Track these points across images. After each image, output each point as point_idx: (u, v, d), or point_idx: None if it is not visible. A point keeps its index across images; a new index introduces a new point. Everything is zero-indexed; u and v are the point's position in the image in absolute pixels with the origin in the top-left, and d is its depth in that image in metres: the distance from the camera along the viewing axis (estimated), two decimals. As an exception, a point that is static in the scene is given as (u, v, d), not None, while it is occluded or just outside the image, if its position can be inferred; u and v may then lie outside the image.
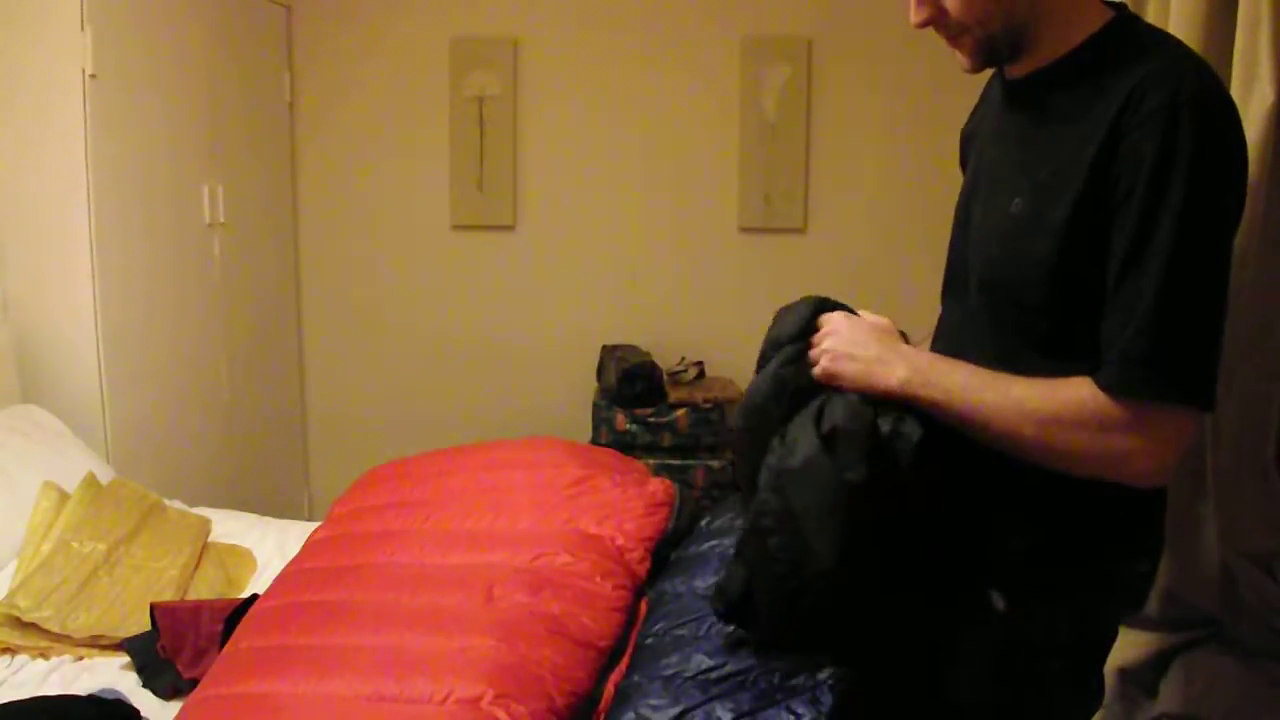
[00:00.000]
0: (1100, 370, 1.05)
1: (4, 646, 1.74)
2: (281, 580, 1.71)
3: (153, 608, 1.74)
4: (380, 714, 1.21)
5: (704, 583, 1.57)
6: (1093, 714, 1.29)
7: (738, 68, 3.39)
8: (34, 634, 1.74)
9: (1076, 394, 1.06)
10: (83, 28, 2.41)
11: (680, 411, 3.19)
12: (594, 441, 3.19)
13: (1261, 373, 1.75)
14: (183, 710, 1.33)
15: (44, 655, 1.73)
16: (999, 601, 1.17)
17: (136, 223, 2.66)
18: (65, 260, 2.49)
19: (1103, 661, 1.26)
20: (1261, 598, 1.69)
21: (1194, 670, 1.81)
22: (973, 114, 1.40)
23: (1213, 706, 1.72)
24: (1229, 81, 1.68)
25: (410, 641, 1.34)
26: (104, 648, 1.76)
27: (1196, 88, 1.03)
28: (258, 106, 3.34)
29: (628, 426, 3.18)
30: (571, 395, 3.54)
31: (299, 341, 3.66)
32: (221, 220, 3.02)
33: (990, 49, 1.15)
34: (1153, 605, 1.88)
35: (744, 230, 3.48)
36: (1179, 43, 1.12)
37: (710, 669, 1.36)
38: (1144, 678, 1.90)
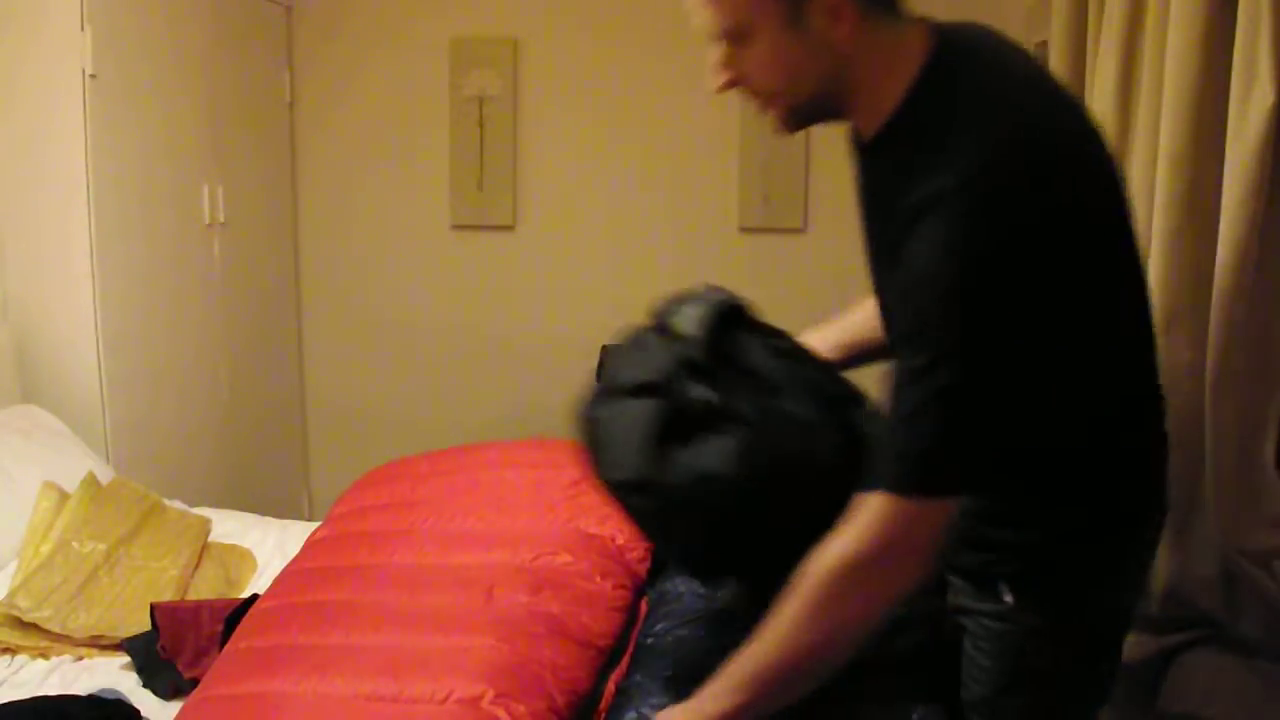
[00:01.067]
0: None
1: (4, 647, 1.74)
2: (282, 580, 1.71)
3: (153, 608, 1.74)
4: (380, 714, 1.21)
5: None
6: (1105, 704, 1.30)
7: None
8: (34, 634, 1.74)
9: (809, 585, 1.05)
10: (83, 28, 2.40)
11: (680, 411, 3.18)
12: (594, 441, 3.18)
13: (1261, 374, 1.75)
14: (183, 710, 1.33)
15: (44, 655, 1.73)
16: (1007, 594, 1.18)
17: (136, 223, 2.66)
18: (65, 260, 2.49)
19: (1115, 651, 1.26)
20: (1261, 598, 1.69)
21: (1194, 670, 1.81)
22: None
23: (1213, 706, 1.72)
24: (1229, 81, 1.68)
25: (410, 641, 1.34)
26: (104, 648, 1.76)
27: (969, 177, 0.97)
28: (258, 106, 3.34)
29: (628, 426, 3.17)
30: (571, 395, 3.53)
31: (299, 342, 3.66)
32: (221, 220, 3.01)
33: (800, 117, 1.12)
34: (1153, 605, 1.88)
35: (744, 230, 3.47)
36: (979, 107, 1.03)
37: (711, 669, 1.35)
38: (1144, 678, 1.91)
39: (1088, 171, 1.06)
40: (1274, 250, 1.71)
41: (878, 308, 1.22)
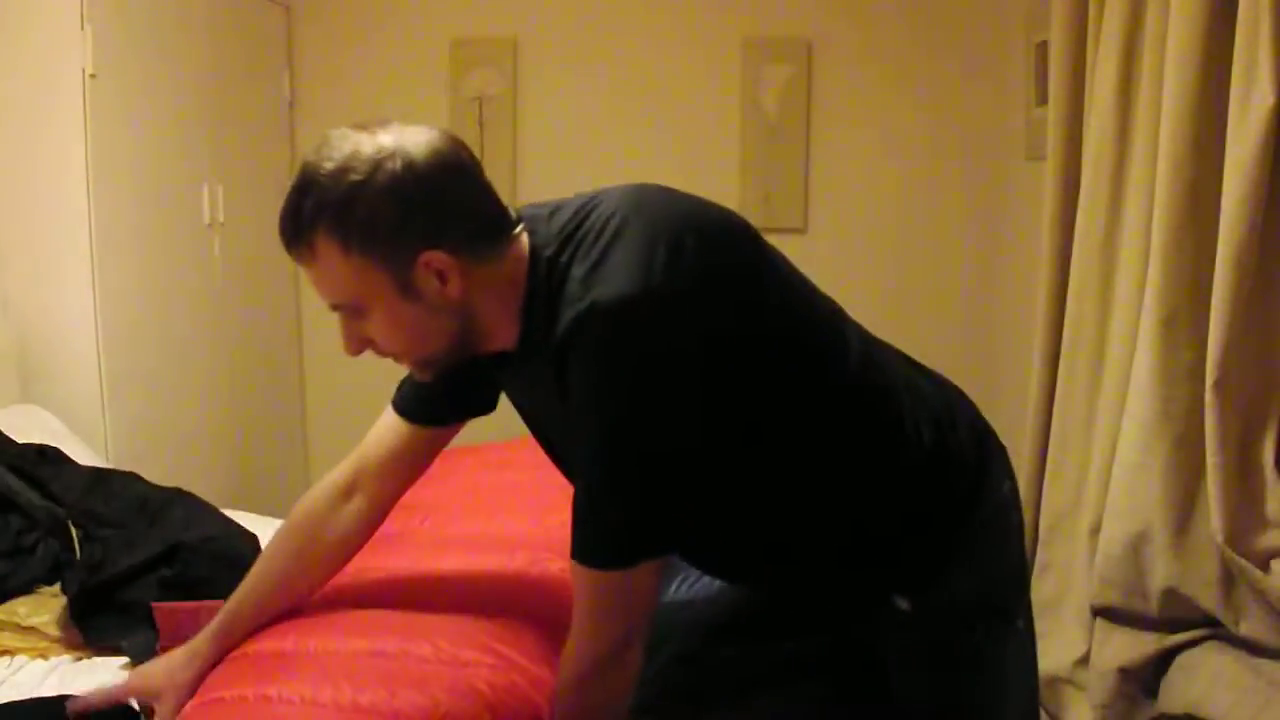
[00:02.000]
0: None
1: (2, 649, 1.73)
2: (281, 581, 1.70)
3: (153, 607, 1.73)
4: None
5: (692, 587, 1.57)
6: (1034, 655, 1.33)
7: (738, 68, 3.39)
8: (34, 635, 1.74)
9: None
10: (83, 27, 2.40)
11: (680, 411, 3.18)
12: (594, 441, 3.17)
13: (1261, 373, 1.75)
14: (183, 710, 1.33)
15: (43, 656, 1.73)
16: (902, 603, 1.19)
17: (136, 223, 2.66)
18: (65, 260, 2.48)
19: (1020, 600, 1.29)
20: (1261, 598, 1.69)
21: (1194, 670, 1.81)
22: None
23: (1213, 706, 1.72)
24: (1229, 82, 1.68)
25: (405, 648, 1.33)
26: (104, 648, 1.75)
27: (576, 327, 1.02)
28: (258, 106, 3.34)
29: (628, 426, 3.18)
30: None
31: (299, 341, 3.65)
32: (221, 220, 3.01)
33: (438, 366, 1.17)
34: (1153, 605, 1.88)
35: (744, 230, 3.47)
36: (579, 288, 1.06)
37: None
38: (1144, 678, 1.91)
39: (701, 289, 1.06)
40: (1274, 250, 1.70)
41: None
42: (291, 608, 1.40)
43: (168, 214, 2.80)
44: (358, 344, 1.15)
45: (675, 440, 1.05)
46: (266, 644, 1.34)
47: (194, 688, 1.32)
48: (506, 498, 1.83)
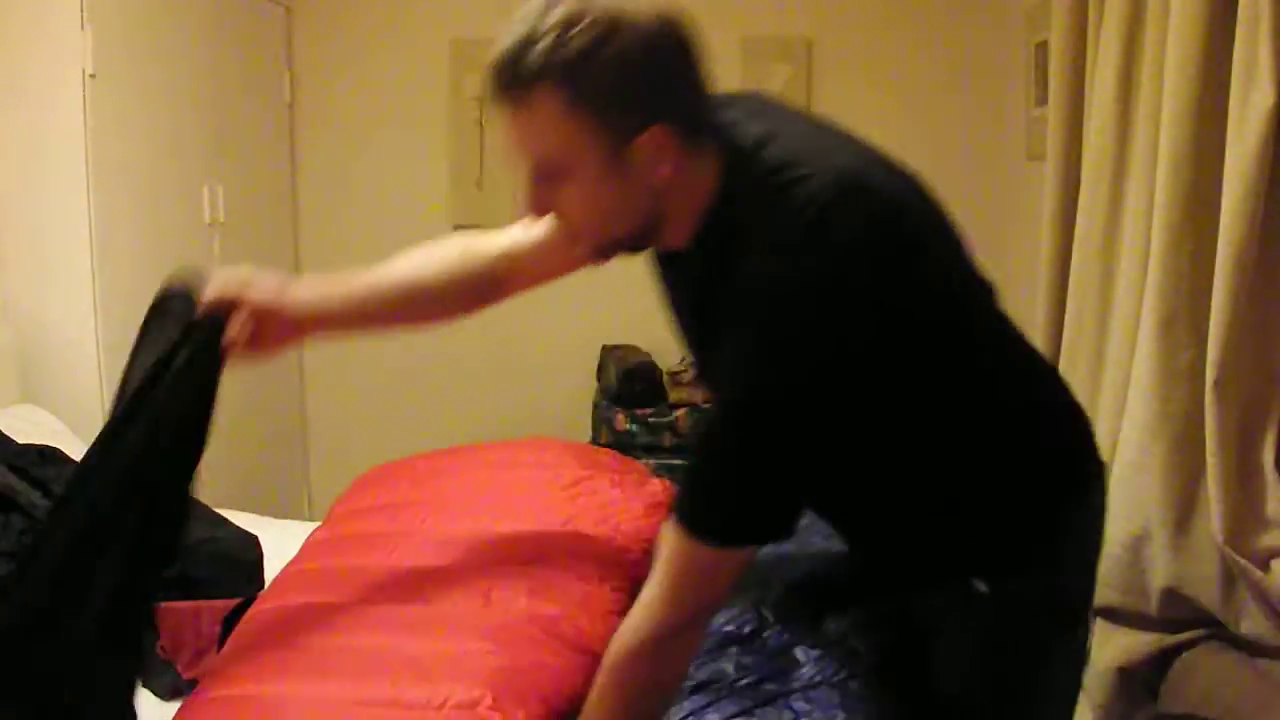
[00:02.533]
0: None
1: (3, 647, 1.74)
2: (280, 581, 1.70)
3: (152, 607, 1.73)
4: (377, 718, 1.20)
5: None
6: (1082, 672, 1.33)
7: (738, 68, 3.39)
8: (33, 634, 1.74)
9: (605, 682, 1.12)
10: (83, 27, 2.40)
11: (680, 411, 3.19)
12: (594, 441, 3.18)
13: (1261, 373, 1.74)
14: (181, 711, 1.33)
15: (43, 656, 1.73)
16: (981, 586, 1.19)
17: (136, 223, 2.66)
18: (65, 260, 2.49)
19: (1086, 609, 1.29)
20: (1261, 598, 1.69)
21: (1194, 670, 1.81)
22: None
23: (1213, 706, 1.72)
24: (1229, 82, 1.68)
25: (407, 644, 1.34)
26: (103, 648, 1.75)
27: (770, 278, 0.99)
28: (258, 106, 3.34)
29: (628, 426, 3.18)
30: (571, 395, 3.53)
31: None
32: (221, 220, 3.01)
33: (611, 251, 1.12)
34: (1153, 605, 1.88)
35: (744, 230, 3.48)
36: (777, 238, 1.02)
37: (699, 678, 1.36)
38: (1144, 678, 1.90)
39: (906, 227, 1.05)
40: (1274, 250, 1.70)
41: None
42: (381, 312, 1.40)
43: (168, 214, 2.80)
44: (541, 209, 1.07)
45: (819, 416, 1.02)
46: (247, 688, 1.32)
47: (276, 297, 1.32)
48: (508, 496, 1.83)
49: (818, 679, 1.35)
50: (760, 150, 1.06)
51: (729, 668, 1.37)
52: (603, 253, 1.12)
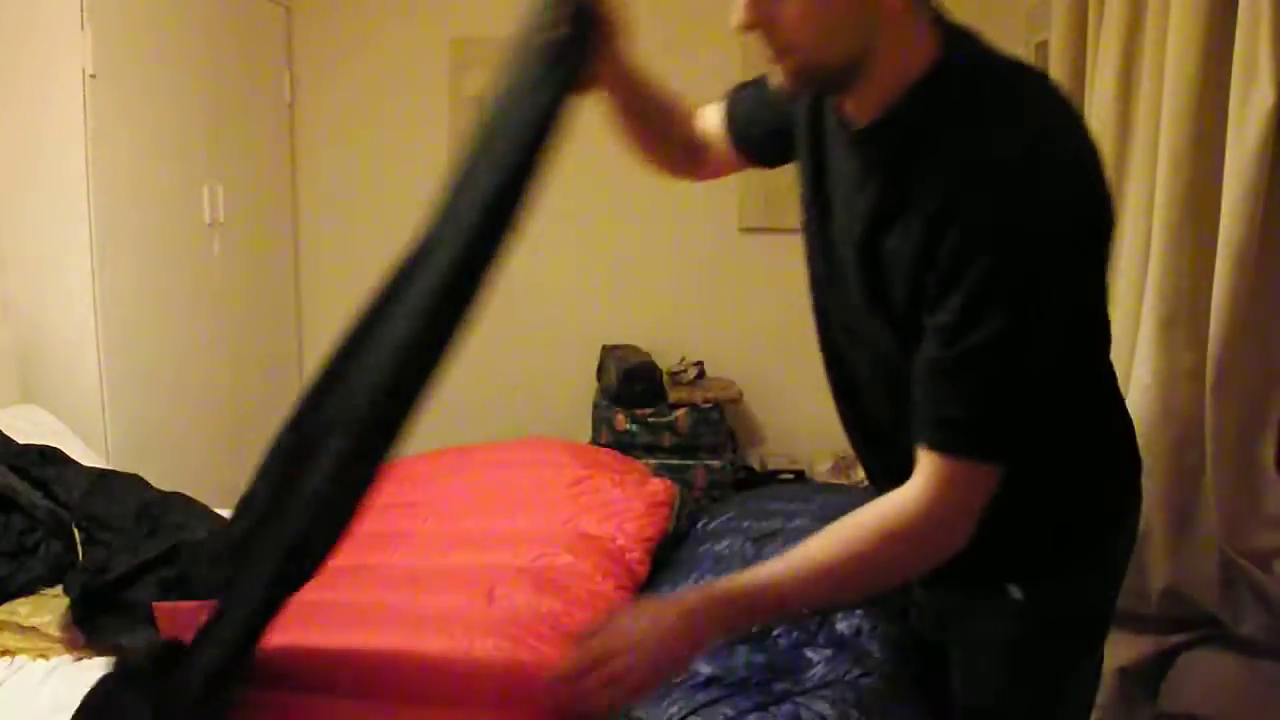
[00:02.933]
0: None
1: (3, 649, 1.73)
2: (281, 580, 1.70)
3: (152, 608, 1.73)
4: (381, 716, 1.20)
5: (697, 584, 1.57)
6: (1096, 691, 1.32)
7: (737, 68, 3.39)
8: (35, 636, 1.74)
9: (864, 532, 1.04)
10: (83, 27, 2.40)
11: (680, 411, 3.19)
12: (594, 441, 3.18)
13: (1261, 373, 1.75)
14: (183, 710, 1.33)
15: (44, 656, 1.73)
16: (1016, 592, 1.18)
17: (136, 223, 2.66)
18: (65, 260, 2.49)
19: (1105, 632, 1.29)
20: (1261, 598, 1.69)
21: (1194, 670, 1.81)
22: (815, 148, 1.22)
23: (1213, 706, 1.72)
24: (1229, 82, 1.68)
25: (411, 643, 1.34)
26: (104, 648, 1.75)
27: (1015, 193, 0.95)
28: (258, 106, 3.34)
29: (628, 426, 3.18)
30: (571, 395, 3.53)
31: (299, 341, 3.66)
32: (221, 220, 3.01)
33: (814, 79, 1.04)
34: (1153, 605, 1.88)
35: (744, 230, 3.47)
36: (1012, 111, 0.99)
37: (710, 672, 1.36)
38: (1144, 678, 1.90)
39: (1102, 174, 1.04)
40: (1274, 250, 1.70)
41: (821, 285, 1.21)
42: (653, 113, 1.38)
43: (168, 214, 2.80)
44: (754, 18, 1.00)
45: (1063, 337, 0.99)
46: (249, 690, 1.31)
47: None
48: (509, 496, 1.83)
49: (829, 678, 1.36)
50: (986, 48, 1.03)
51: (740, 665, 1.38)
52: (803, 80, 1.04)
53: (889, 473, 1.14)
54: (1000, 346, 0.97)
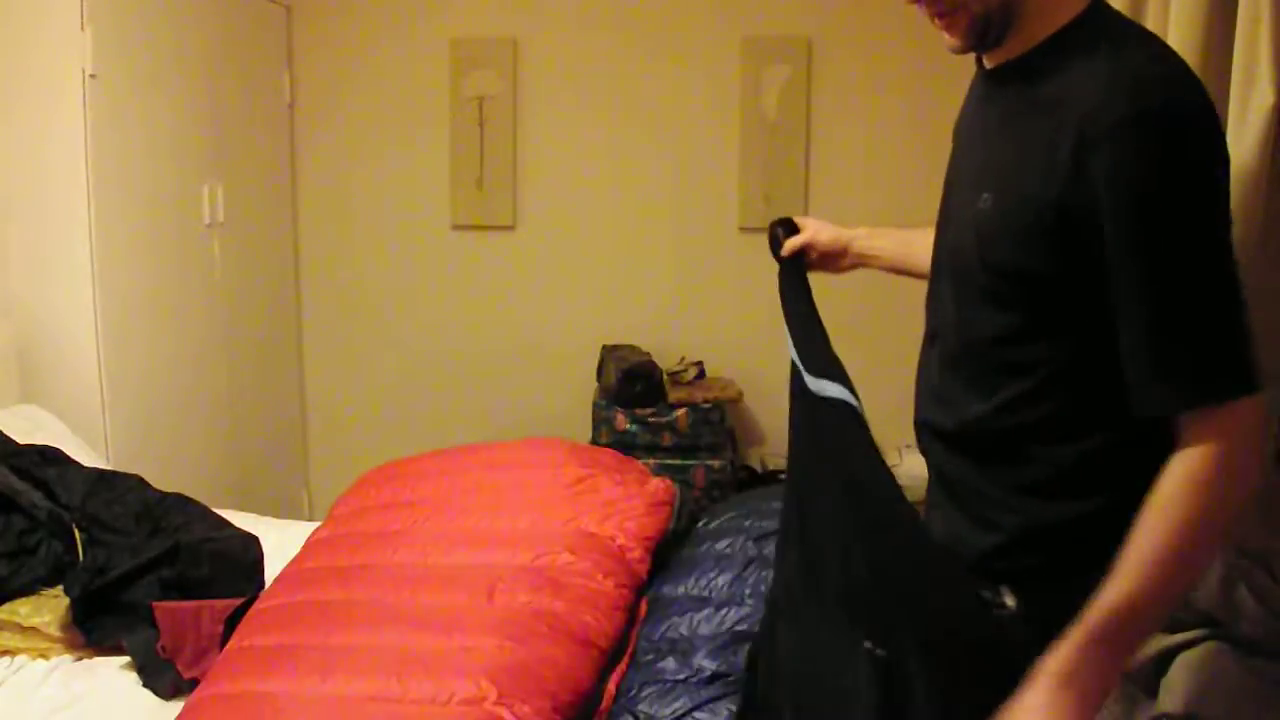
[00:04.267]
0: (1137, 402, 1.05)
1: (3, 649, 1.74)
2: (282, 580, 1.71)
3: (153, 607, 1.74)
4: (383, 714, 1.21)
5: (699, 584, 1.58)
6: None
7: (738, 68, 3.39)
8: (35, 636, 1.74)
9: (1179, 489, 1.04)
10: (83, 27, 2.41)
11: (680, 411, 3.19)
12: (594, 441, 3.18)
13: (1261, 373, 1.74)
14: (183, 710, 1.33)
15: (44, 655, 1.73)
16: (1009, 598, 1.18)
17: (136, 223, 2.66)
18: (65, 260, 2.49)
19: None
20: (1261, 598, 1.69)
21: (1194, 670, 1.81)
22: (962, 109, 1.39)
23: (1213, 706, 1.72)
24: (1229, 82, 1.68)
25: (413, 641, 1.34)
26: (104, 648, 1.76)
27: (1161, 96, 1.01)
28: (258, 106, 3.34)
29: (628, 426, 3.18)
30: (571, 395, 3.54)
31: (299, 342, 3.66)
32: (221, 220, 3.01)
33: (983, 28, 1.12)
34: (1153, 605, 1.88)
35: (744, 230, 3.47)
36: (1149, 38, 1.11)
37: (714, 669, 1.36)
38: (1144, 678, 1.90)
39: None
40: (1274, 250, 1.71)
41: (946, 234, 1.25)
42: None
43: (168, 214, 2.80)
44: None
45: (1220, 247, 1.05)
46: (251, 685, 1.32)
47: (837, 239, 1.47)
48: (510, 495, 1.83)
49: None
50: (1122, 16, 1.13)
51: (741, 662, 1.38)
52: (971, 33, 1.13)
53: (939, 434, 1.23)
54: (1177, 237, 1.01)
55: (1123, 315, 1.05)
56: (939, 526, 1.27)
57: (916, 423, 1.31)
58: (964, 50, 1.16)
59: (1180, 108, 1.01)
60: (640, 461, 2.31)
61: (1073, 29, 1.09)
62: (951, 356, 1.21)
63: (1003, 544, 1.17)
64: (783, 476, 3.69)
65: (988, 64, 1.19)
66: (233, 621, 1.63)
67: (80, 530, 1.89)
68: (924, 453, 1.31)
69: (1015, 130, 1.13)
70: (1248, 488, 1.05)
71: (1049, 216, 1.06)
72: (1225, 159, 1.06)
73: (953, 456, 1.23)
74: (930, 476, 1.31)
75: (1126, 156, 1.01)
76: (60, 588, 1.81)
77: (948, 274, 1.22)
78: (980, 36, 1.14)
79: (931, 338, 1.26)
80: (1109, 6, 1.12)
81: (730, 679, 1.34)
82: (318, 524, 2.00)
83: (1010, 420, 1.15)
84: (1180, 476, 1.04)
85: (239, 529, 2.01)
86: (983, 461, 1.19)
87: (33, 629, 1.74)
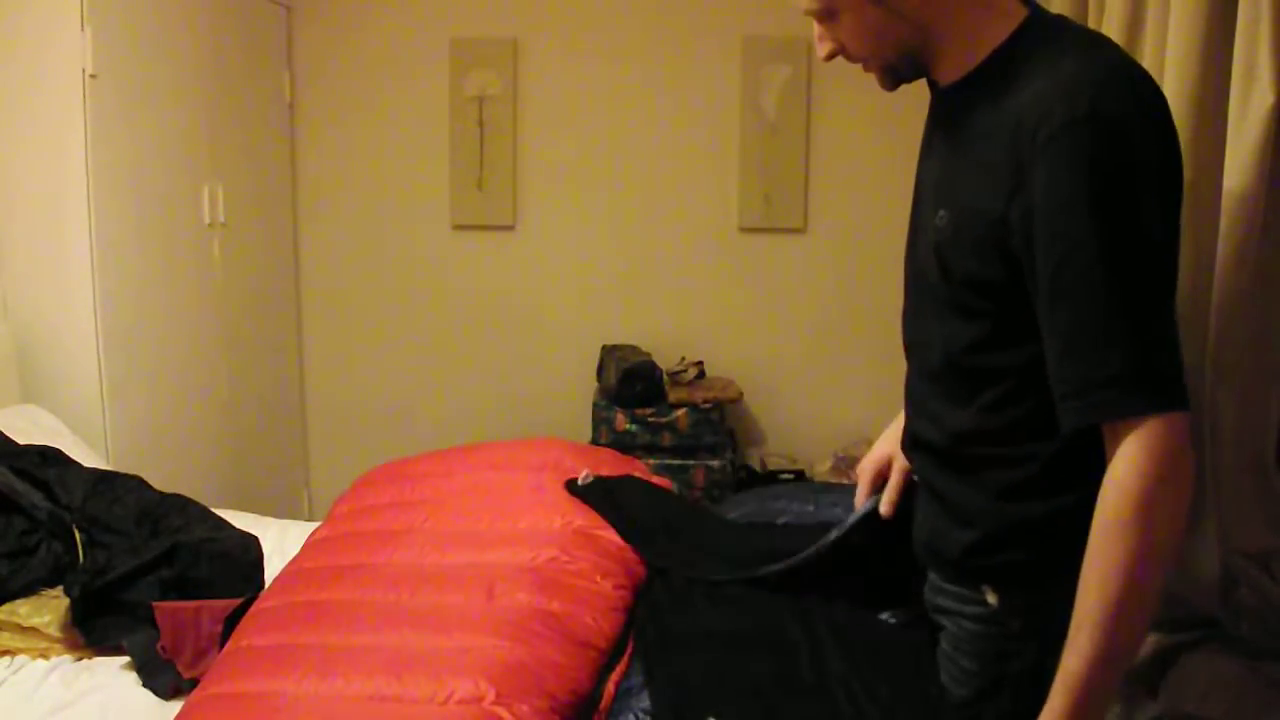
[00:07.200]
0: (1064, 411, 1.05)
1: (3, 649, 1.74)
2: (282, 580, 1.71)
3: (153, 608, 1.74)
4: (382, 714, 1.21)
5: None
6: None
7: (738, 68, 3.39)
8: (35, 636, 1.74)
9: (1109, 542, 1.04)
10: (83, 28, 2.41)
11: (680, 411, 3.19)
12: (594, 441, 3.19)
13: (1261, 373, 1.75)
14: (183, 710, 1.33)
15: (44, 656, 1.73)
16: (990, 596, 1.18)
17: (136, 223, 2.66)
18: (65, 260, 2.49)
19: None
20: (1262, 598, 1.69)
21: (1194, 670, 1.81)
22: (924, 128, 1.40)
23: (1213, 706, 1.72)
24: (1229, 82, 1.68)
25: (411, 641, 1.34)
26: (104, 648, 1.75)
27: (1088, 103, 1.01)
28: (258, 106, 3.34)
29: (628, 426, 3.18)
30: (571, 395, 3.54)
31: (299, 341, 3.66)
32: (221, 220, 3.02)
33: (894, 74, 1.23)
34: (1153, 605, 1.88)
35: (744, 230, 3.48)
36: (1090, 45, 1.11)
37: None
38: (1144, 678, 1.90)
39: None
40: (1274, 250, 1.71)
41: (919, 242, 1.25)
42: None
43: (168, 214, 2.80)
44: (830, 48, 1.22)
45: (1155, 252, 1.07)
46: (250, 685, 1.32)
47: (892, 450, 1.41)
48: (509, 495, 1.83)
49: None
50: (1067, 22, 1.16)
51: None
52: (888, 77, 1.23)
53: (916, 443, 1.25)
54: (1108, 246, 1.01)
55: (1043, 326, 1.06)
56: (925, 525, 1.30)
57: (904, 434, 1.34)
58: (890, 89, 1.26)
59: (1109, 110, 1.01)
60: (640, 461, 2.31)
61: (1008, 47, 1.13)
62: (930, 370, 1.24)
63: (980, 540, 1.19)
64: (783, 476, 3.69)
65: (939, 83, 1.23)
66: (232, 621, 1.63)
67: (80, 531, 1.89)
68: (911, 462, 1.34)
69: (964, 149, 1.16)
70: (1183, 497, 1.06)
71: (999, 230, 1.08)
72: (1165, 158, 1.07)
73: (939, 470, 1.25)
74: (919, 481, 1.34)
75: (1058, 167, 1.02)
76: (60, 588, 1.81)
77: (917, 291, 1.26)
78: (896, 81, 1.24)
79: (910, 353, 1.30)
80: (1047, 17, 1.15)
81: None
82: (317, 524, 2.00)
83: (990, 423, 1.17)
84: (1116, 500, 1.04)
85: (239, 529, 2.01)
86: (964, 473, 1.21)
87: (33, 629, 1.74)
